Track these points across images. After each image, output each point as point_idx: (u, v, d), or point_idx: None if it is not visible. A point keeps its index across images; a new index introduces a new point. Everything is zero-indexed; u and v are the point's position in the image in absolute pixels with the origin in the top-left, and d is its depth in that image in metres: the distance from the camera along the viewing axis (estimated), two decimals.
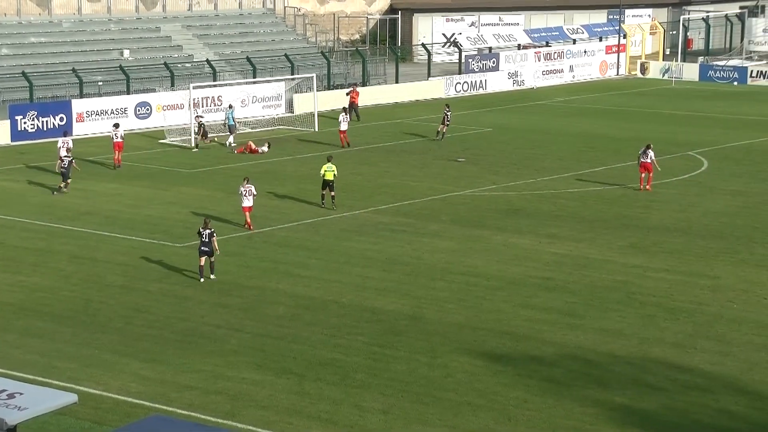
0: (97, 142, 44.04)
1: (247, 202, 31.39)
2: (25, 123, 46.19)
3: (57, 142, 39.40)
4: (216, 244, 26.85)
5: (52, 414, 15.92)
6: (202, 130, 45.38)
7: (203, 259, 26.74)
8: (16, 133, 45.86)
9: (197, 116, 45.90)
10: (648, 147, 37.56)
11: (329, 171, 34.05)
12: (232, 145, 45.29)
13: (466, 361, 21.52)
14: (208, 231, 26.73)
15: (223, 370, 20.85)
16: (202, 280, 26.69)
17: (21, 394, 15.13)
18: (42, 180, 38.68)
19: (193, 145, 44.87)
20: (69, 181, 36.47)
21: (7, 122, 45.87)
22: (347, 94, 53.68)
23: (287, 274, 27.27)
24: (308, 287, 26.26)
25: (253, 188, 31.51)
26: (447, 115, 47.76)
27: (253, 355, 21.67)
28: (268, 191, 36.39)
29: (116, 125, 41.87)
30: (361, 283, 26.68)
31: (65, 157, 36.99)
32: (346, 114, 46.69)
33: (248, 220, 31.51)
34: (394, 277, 27.16)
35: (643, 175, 37.49)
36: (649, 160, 37.31)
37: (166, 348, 22.04)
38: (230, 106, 47.49)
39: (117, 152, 41.02)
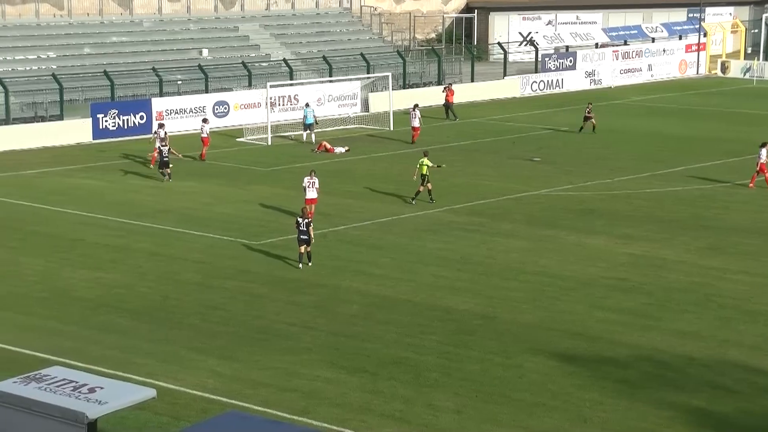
0: (175, 141, 44.56)
1: (311, 194, 31.93)
2: (106, 121, 47.05)
3: (151, 135, 41.27)
4: (312, 233, 27.74)
5: (131, 409, 16.15)
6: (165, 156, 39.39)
7: (302, 247, 27.67)
8: (97, 132, 46.75)
9: (161, 141, 39.96)
10: (763, 145, 37.07)
11: (423, 165, 34.57)
12: (311, 142, 45.83)
13: (540, 362, 21.40)
14: (306, 220, 27.60)
15: (297, 367, 20.99)
16: (300, 266, 27.63)
17: (101, 388, 15.41)
18: (120, 178, 39.34)
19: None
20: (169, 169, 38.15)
21: (89, 120, 46.77)
22: (443, 92, 53.81)
23: (360, 273, 27.39)
24: (381, 286, 26.34)
25: (316, 181, 32.01)
26: (588, 112, 49.01)
27: (327, 353, 21.79)
28: (342, 190, 36.57)
29: (204, 120, 43.22)
30: (434, 282, 26.69)
31: (163, 146, 38.20)
32: (415, 110, 46.83)
33: (311, 210, 32.00)
34: (467, 277, 27.13)
35: (759, 174, 37.10)
36: (762, 160, 36.83)
37: (241, 345, 22.27)
38: (307, 105, 47.96)
39: (204, 147, 41.88)
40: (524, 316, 24.24)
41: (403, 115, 51.90)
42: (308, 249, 27.78)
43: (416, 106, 47.56)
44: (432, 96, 55.48)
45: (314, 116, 47.37)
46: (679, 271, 27.69)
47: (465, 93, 58.76)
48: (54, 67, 51.67)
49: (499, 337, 22.83)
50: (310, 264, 27.71)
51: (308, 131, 46.90)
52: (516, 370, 21.03)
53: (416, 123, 46.46)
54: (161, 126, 41.91)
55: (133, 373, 20.26)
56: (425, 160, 34.82)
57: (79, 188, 37.68)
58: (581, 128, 48.82)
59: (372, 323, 23.69)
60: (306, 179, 32.20)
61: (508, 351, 21.98)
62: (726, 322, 23.93)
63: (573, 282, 26.75)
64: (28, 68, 51.67)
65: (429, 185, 34.73)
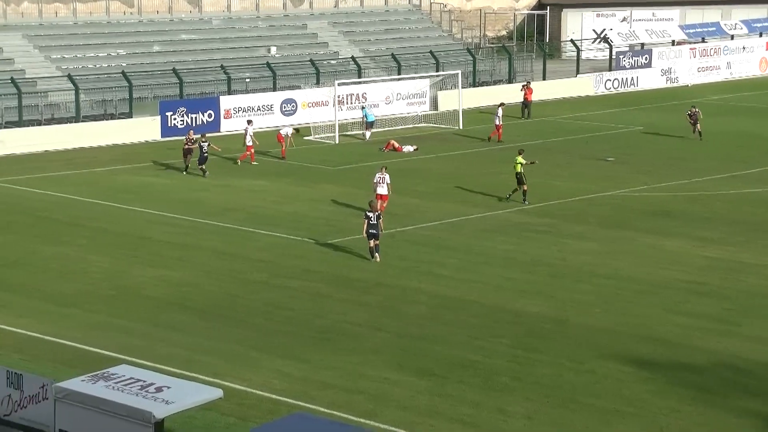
0: (243, 139, 44.83)
1: (381, 189, 32.18)
2: (174, 119, 47.52)
3: (245, 130, 41.97)
4: (382, 225, 28.20)
5: (197, 409, 16.21)
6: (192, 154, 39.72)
7: (372, 241, 27.99)
8: (166, 129, 47.24)
9: (197, 139, 39.90)
10: None
11: (517, 163, 34.56)
12: (368, 139, 46.45)
13: (613, 367, 21.10)
14: (375, 214, 27.89)
15: (364, 369, 20.96)
16: (373, 260, 27.99)
17: (168, 387, 15.53)
18: (188, 176, 39.63)
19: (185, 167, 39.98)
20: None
21: (158, 118, 47.26)
22: (521, 90, 53.53)
23: (428, 274, 27.29)
24: (449, 287, 26.21)
25: (387, 177, 32.23)
26: (692, 114, 46.82)
27: (394, 355, 21.73)
28: (410, 189, 36.49)
29: (297, 130, 44.48)
30: (503, 284, 26.51)
31: (203, 142, 38.96)
32: (500, 108, 46.67)
33: (382, 206, 32.20)
34: (537, 279, 26.90)
35: None
36: None
37: (307, 345, 22.28)
38: (363, 107, 48.53)
39: (282, 145, 42.70)
40: (597, 320, 23.94)
41: (476, 114, 51.83)
42: (377, 242, 27.97)
43: (502, 104, 47.35)
44: (502, 94, 55.10)
45: (374, 114, 47.73)
46: (759, 275, 27.13)
47: (537, 91, 58.20)
48: (124, 64, 52.34)
49: (570, 341, 22.58)
50: (378, 258, 27.90)
51: (369, 130, 47.05)
52: (588, 375, 20.76)
53: (496, 121, 46.35)
54: (249, 122, 42.48)
55: (200, 372, 20.37)
56: (519, 158, 34.64)
57: (147, 186, 38.06)
58: (700, 135, 46.47)
59: (440, 325, 23.57)
60: (377, 175, 32.47)
61: (580, 356, 21.71)
62: None
63: (648, 285, 26.36)
64: (98, 65, 52.40)
65: (523, 187, 34.51)
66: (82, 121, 47.50)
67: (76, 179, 39.13)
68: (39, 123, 47.13)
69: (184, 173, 39.74)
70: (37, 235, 31.10)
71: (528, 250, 29.51)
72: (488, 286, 26.33)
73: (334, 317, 24.08)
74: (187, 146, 40.14)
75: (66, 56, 52.27)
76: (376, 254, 28.12)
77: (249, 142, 41.43)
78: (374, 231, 27.91)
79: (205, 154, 39.00)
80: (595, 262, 28.28)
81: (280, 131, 43.51)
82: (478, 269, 27.73)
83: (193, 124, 47.25)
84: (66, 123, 47.28)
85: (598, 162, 41.95)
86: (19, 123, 46.19)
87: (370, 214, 28.03)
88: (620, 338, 22.77)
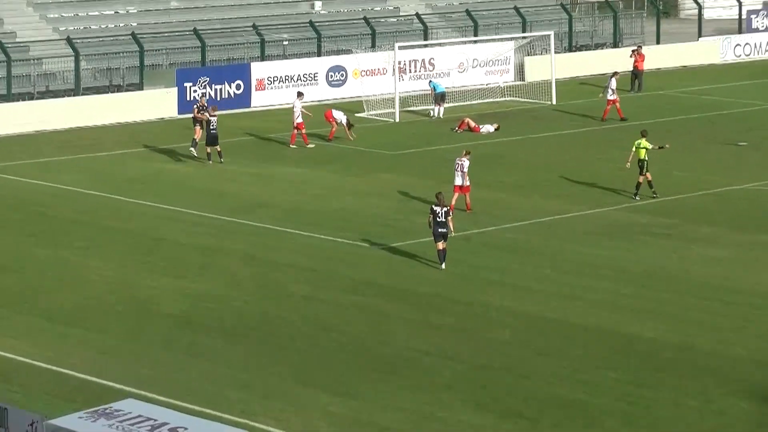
0: (278, 116, 44.99)
1: (457, 179, 32.48)
2: (195, 91, 47.57)
3: (293, 105, 41.89)
4: (452, 224, 28.11)
5: None
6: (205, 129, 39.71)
7: (441, 243, 27.95)
8: (184, 104, 47.33)
9: (204, 110, 40.17)
10: None
11: (639, 148, 34.39)
12: (441, 117, 46.61)
13: (750, 407, 20.91)
14: (444, 209, 27.83)
15: (434, 409, 20.83)
16: (442, 266, 28.05)
17: (185, 429, 15.60)
18: (213, 163, 39.67)
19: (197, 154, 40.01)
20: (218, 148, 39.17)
21: (175, 90, 47.35)
22: (631, 56, 53.48)
23: (514, 288, 27.26)
24: (542, 305, 26.13)
25: (465, 164, 32.53)
26: None
27: (472, 392, 21.62)
28: (490, 180, 36.36)
29: (348, 125, 43.55)
30: (612, 301, 26.40)
31: (212, 117, 39.17)
32: (613, 79, 46.29)
33: (467, 203, 32.70)
34: (654, 296, 26.76)
35: None
36: None
37: (361, 378, 22.23)
38: (430, 81, 49.09)
39: (332, 125, 42.84)
40: (730, 347, 23.77)
41: (573, 85, 51.52)
42: (445, 246, 27.96)
43: (615, 74, 47.01)
44: (605, 61, 54.76)
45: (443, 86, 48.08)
46: None
47: (649, 58, 57.88)
48: (134, 24, 52.76)
49: (696, 374, 22.43)
50: (443, 266, 27.97)
51: (440, 105, 46.84)
52: (718, 417, 20.60)
53: (611, 95, 45.99)
54: (300, 95, 42.47)
55: (226, 410, 20.35)
56: (642, 142, 34.50)
57: (162, 174, 38.35)
58: None
59: (530, 354, 23.48)
60: (456, 161, 32.76)
61: (708, 392, 21.58)
62: None
63: None
64: (102, 26, 52.83)
65: (648, 175, 34.32)
66: (83, 95, 48.03)
67: (76, 166, 39.53)
68: (31, 97, 47.76)
69: (210, 162, 39.27)
70: (29, 235, 31.41)
71: (642, 258, 29.44)
72: (593, 304, 26.23)
73: (396, 343, 24.04)
74: (197, 115, 39.95)
75: (65, 15, 52.81)
76: (443, 262, 28.10)
77: (299, 119, 41.16)
78: (443, 230, 27.79)
79: (214, 131, 38.76)
80: (726, 275, 28.18)
81: (333, 111, 43.15)
82: (578, 282, 27.63)
83: (218, 98, 47.25)
84: (64, 96, 47.88)
85: (727, 147, 41.94)
86: (8, 97, 46.80)
87: (437, 209, 27.94)
88: (759, 370, 22.55)
